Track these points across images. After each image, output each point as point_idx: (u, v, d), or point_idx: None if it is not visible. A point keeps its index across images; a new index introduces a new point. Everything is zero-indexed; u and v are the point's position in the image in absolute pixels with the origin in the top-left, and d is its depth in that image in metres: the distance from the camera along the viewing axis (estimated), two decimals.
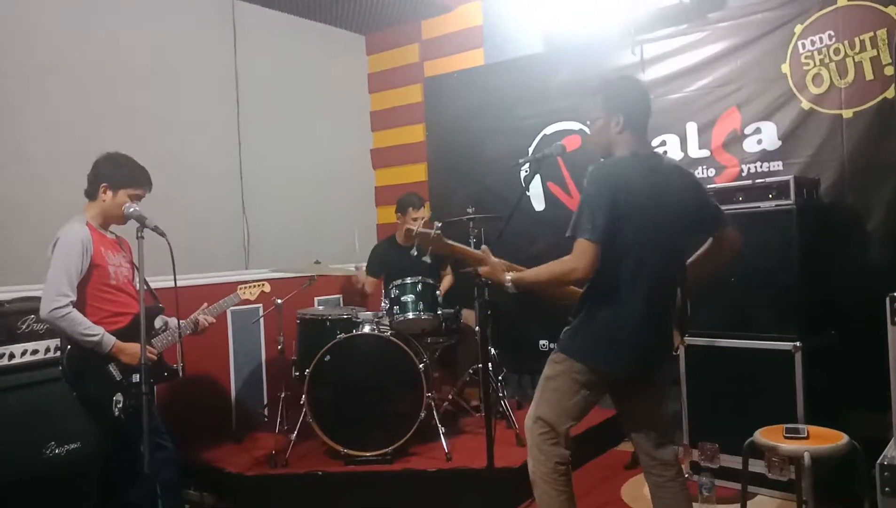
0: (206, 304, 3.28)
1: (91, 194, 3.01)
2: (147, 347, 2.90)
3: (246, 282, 3.51)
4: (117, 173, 2.98)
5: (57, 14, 3.91)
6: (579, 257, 2.30)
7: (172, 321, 3.15)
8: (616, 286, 2.37)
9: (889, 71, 3.65)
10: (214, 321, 3.28)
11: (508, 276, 2.50)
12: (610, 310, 2.40)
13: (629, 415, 2.64)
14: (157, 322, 3.15)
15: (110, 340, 2.87)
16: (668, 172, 2.53)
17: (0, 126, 3.67)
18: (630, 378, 2.52)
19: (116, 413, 2.84)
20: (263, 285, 3.48)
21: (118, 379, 2.89)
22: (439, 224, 2.71)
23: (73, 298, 2.81)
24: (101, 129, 4.00)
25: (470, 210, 4.40)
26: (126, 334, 2.92)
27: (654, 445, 2.58)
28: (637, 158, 2.46)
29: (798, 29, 3.90)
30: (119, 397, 2.86)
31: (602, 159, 2.52)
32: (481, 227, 4.38)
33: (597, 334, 2.43)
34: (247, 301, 3.44)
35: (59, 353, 3.09)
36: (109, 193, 2.97)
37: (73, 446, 3.22)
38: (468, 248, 2.67)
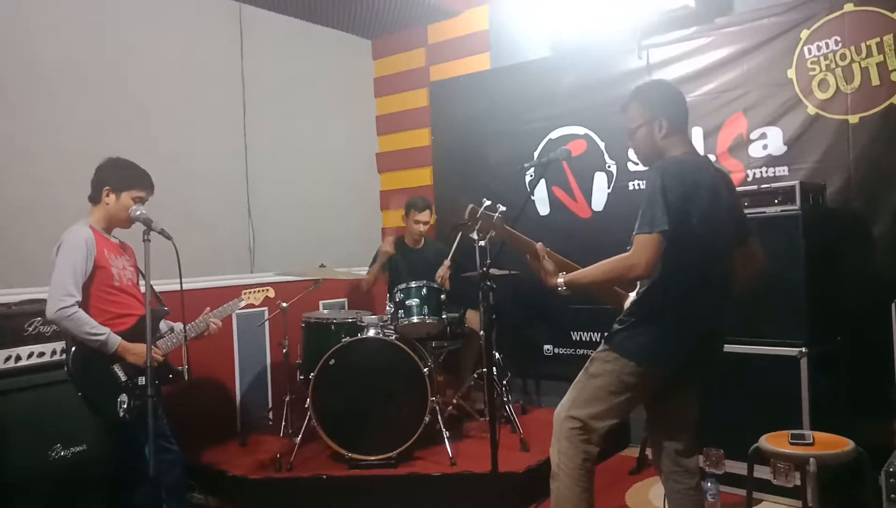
0: (209, 308, 3.29)
1: (94, 198, 3.03)
2: (155, 347, 2.92)
3: (250, 286, 3.51)
4: (120, 176, 3.00)
5: (64, 16, 3.93)
6: (640, 252, 2.19)
7: (177, 325, 3.15)
8: (682, 287, 2.30)
9: (895, 77, 3.64)
10: (220, 324, 3.29)
11: (560, 279, 2.42)
12: (677, 312, 2.33)
13: (664, 419, 2.58)
14: (162, 325, 3.16)
15: (116, 340, 2.88)
16: (721, 174, 2.50)
17: (7, 127, 3.69)
18: (678, 381, 2.47)
19: (121, 414, 2.84)
20: (268, 290, 3.49)
21: (123, 380, 2.90)
22: (503, 208, 2.60)
23: (79, 298, 2.83)
24: (108, 131, 4.03)
25: (483, 201, 4.38)
26: (131, 335, 2.93)
27: (682, 451, 2.54)
28: (696, 156, 2.42)
29: (804, 34, 3.89)
30: (124, 398, 2.86)
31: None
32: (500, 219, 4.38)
33: (661, 336, 2.35)
34: (251, 306, 3.44)
35: (65, 355, 3.10)
36: (113, 196, 2.99)
37: (79, 448, 3.24)
38: (527, 239, 2.58)
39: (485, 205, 2.57)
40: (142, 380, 2.85)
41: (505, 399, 4.33)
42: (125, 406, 2.85)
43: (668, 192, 2.21)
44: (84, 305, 2.85)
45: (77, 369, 2.91)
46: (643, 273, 2.22)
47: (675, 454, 2.54)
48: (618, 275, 2.30)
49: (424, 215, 4.72)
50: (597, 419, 2.43)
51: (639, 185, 4.48)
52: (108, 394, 2.87)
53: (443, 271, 4.49)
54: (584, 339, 4.74)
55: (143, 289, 3.07)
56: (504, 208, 2.60)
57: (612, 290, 2.59)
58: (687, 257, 2.27)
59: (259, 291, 3.46)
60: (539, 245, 2.53)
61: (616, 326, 2.46)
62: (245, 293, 3.42)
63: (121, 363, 2.91)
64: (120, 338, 2.89)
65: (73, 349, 2.90)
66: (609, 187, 4.67)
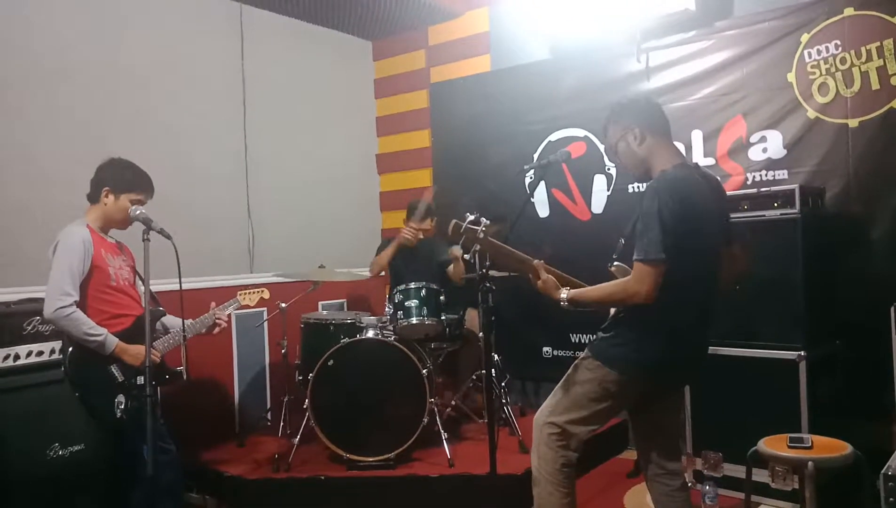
0: (214, 303, 3.30)
1: (93, 197, 3.03)
2: (152, 347, 2.92)
3: (248, 287, 3.52)
4: (120, 178, 3.00)
5: (65, 17, 3.93)
6: (642, 281, 2.22)
7: (172, 323, 3.15)
8: (669, 298, 2.28)
9: (895, 81, 3.64)
10: (226, 321, 3.30)
11: (563, 293, 2.43)
12: (662, 323, 2.32)
13: (647, 424, 2.59)
14: (158, 325, 3.16)
15: (113, 341, 2.87)
16: (709, 181, 2.51)
17: (7, 127, 3.69)
18: (660, 389, 2.48)
19: (118, 415, 2.84)
20: (263, 291, 3.50)
21: (120, 381, 2.89)
22: (486, 221, 2.58)
23: (77, 298, 2.82)
24: (108, 131, 4.03)
25: (467, 215, 4.37)
26: (128, 336, 2.92)
27: (666, 454, 2.56)
28: (685, 168, 2.41)
29: (804, 38, 3.90)
30: (121, 398, 2.85)
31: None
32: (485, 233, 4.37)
33: (645, 346, 2.36)
34: (246, 307, 3.45)
35: (61, 356, 3.09)
36: (111, 196, 2.99)
37: (76, 448, 3.24)
38: (520, 253, 2.55)
39: (468, 219, 2.53)
40: (139, 380, 2.85)
41: (504, 401, 4.32)
42: (122, 407, 2.84)
43: (665, 216, 2.22)
44: (81, 305, 2.84)
45: (74, 370, 2.91)
46: (644, 301, 2.24)
47: (659, 457, 2.56)
48: (619, 300, 2.34)
49: (424, 225, 4.69)
50: (576, 424, 2.45)
51: (638, 187, 4.47)
52: (105, 395, 2.86)
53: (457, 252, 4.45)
54: (583, 341, 4.74)
55: (140, 289, 3.07)
56: (488, 222, 2.56)
57: None
58: (676, 271, 2.27)
59: (254, 292, 3.47)
60: (538, 263, 2.50)
61: (600, 334, 2.48)
62: (241, 294, 3.43)
63: (117, 363, 2.90)
64: (117, 339, 2.89)
65: (70, 350, 2.90)
66: (609, 190, 4.68)
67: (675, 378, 2.49)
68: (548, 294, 2.46)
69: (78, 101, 3.97)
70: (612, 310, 2.52)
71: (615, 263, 2.51)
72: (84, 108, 3.99)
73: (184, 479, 3.31)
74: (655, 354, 2.36)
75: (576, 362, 2.51)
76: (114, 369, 2.89)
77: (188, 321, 3.15)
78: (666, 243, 2.20)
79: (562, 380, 2.53)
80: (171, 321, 3.18)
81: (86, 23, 4.03)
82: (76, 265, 2.83)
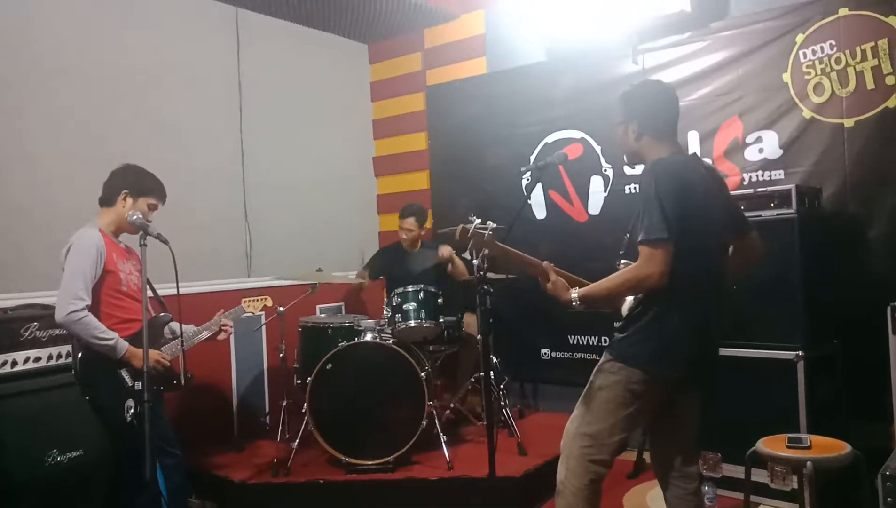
0: (222, 310, 3.31)
1: (108, 200, 3.04)
2: (160, 352, 2.93)
3: (250, 291, 3.53)
4: (139, 182, 3.03)
5: (64, 20, 3.94)
6: (650, 262, 2.18)
7: (181, 328, 3.16)
8: (682, 291, 2.24)
9: (890, 80, 3.65)
10: (231, 328, 3.31)
11: (574, 293, 2.37)
12: (678, 316, 2.28)
13: (666, 425, 2.55)
14: (166, 331, 3.16)
15: (124, 345, 2.88)
16: (710, 171, 2.50)
17: (7, 129, 3.69)
18: (681, 386, 2.45)
19: (128, 419, 2.82)
20: (266, 298, 3.54)
21: (129, 385, 2.87)
22: (494, 225, 2.56)
23: (89, 302, 2.83)
24: (106, 134, 4.03)
25: (471, 218, 4.39)
26: (136, 340, 2.92)
27: (684, 457, 2.52)
28: (683, 156, 2.41)
29: (800, 38, 3.91)
30: (130, 403, 2.84)
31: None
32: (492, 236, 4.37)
33: (665, 341, 2.31)
34: (250, 313, 3.46)
35: (61, 360, 3.08)
36: (130, 200, 3.01)
37: (75, 453, 3.22)
38: (529, 257, 2.49)
39: (475, 223, 2.51)
40: (150, 384, 2.85)
41: (502, 403, 4.32)
42: (132, 412, 2.84)
43: (664, 197, 2.20)
44: (93, 309, 2.86)
45: (85, 374, 2.92)
46: (657, 283, 2.20)
47: (676, 460, 2.52)
48: (632, 287, 2.27)
49: (407, 223, 4.71)
50: (608, 433, 2.39)
51: (635, 188, 4.48)
52: (115, 399, 2.86)
53: (446, 251, 4.51)
54: (581, 343, 4.75)
55: (149, 294, 3.08)
56: (494, 225, 2.55)
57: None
58: (685, 260, 2.24)
59: (258, 299, 3.51)
60: (547, 264, 2.46)
61: (617, 334, 2.43)
62: (245, 302, 3.45)
63: (127, 367, 2.90)
64: (127, 343, 2.90)
65: (80, 354, 2.90)
66: (605, 191, 4.68)
67: (696, 372, 2.44)
68: (557, 296, 2.41)
69: (77, 103, 3.97)
70: (625, 308, 2.48)
71: (622, 260, 2.50)
72: (83, 110, 3.99)
73: (187, 483, 3.30)
74: (676, 348, 2.31)
75: (596, 367, 2.45)
76: (123, 373, 2.90)
77: (194, 328, 3.17)
78: (669, 223, 2.17)
79: (585, 389, 2.47)
80: (178, 326, 3.18)
81: (85, 26, 4.03)
82: (89, 269, 2.84)
